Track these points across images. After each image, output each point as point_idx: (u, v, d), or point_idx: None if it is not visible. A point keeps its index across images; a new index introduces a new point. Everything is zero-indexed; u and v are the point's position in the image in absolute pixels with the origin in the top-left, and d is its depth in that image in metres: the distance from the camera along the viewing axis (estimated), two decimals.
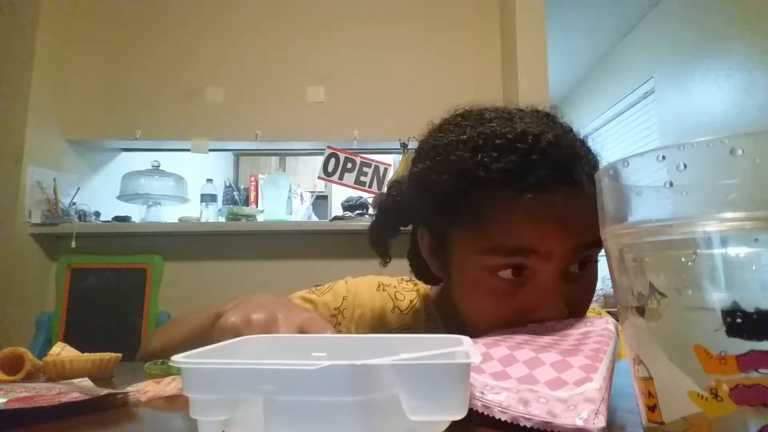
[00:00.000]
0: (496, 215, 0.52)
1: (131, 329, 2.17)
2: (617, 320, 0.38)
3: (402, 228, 0.71)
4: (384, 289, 0.78)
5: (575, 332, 0.48)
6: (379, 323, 0.75)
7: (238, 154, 4.50)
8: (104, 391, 0.46)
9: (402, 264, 0.75)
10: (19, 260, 2.14)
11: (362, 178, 2.25)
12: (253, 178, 3.11)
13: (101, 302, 2.22)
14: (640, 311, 0.26)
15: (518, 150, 0.51)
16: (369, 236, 0.71)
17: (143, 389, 0.50)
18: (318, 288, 0.81)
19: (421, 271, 0.70)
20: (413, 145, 2.24)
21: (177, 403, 0.47)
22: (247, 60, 2.51)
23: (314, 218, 2.59)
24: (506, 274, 0.52)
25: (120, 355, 0.63)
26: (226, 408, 0.29)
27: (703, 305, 0.23)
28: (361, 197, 2.45)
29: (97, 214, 2.38)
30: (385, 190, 0.73)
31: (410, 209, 0.65)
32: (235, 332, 0.49)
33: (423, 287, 0.78)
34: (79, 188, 2.33)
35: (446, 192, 0.55)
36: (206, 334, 0.56)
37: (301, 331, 0.50)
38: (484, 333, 0.52)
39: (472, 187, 0.53)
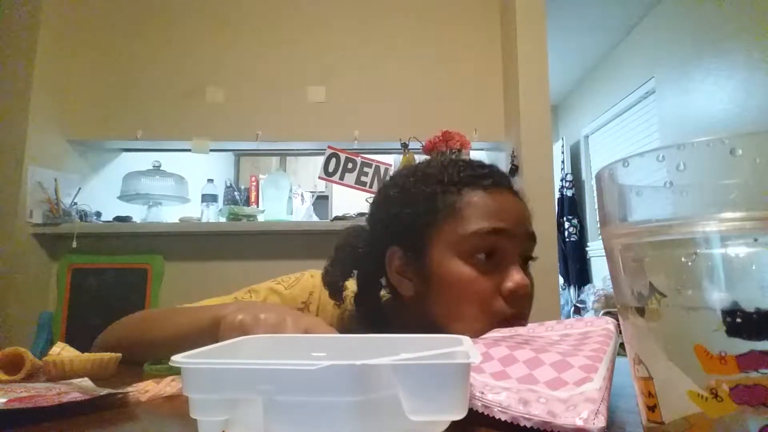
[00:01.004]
0: (471, 207, 0.66)
1: None
2: (617, 320, 0.38)
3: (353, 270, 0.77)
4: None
5: (575, 332, 0.48)
6: (339, 320, 0.80)
7: (239, 154, 4.49)
8: (104, 391, 0.46)
9: None
10: (21, 260, 2.14)
11: (363, 179, 2.25)
12: (253, 178, 3.10)
13: (102, 302, 2.23)
14: (640, 311, 0.26)
15: (473, 166, 0.71)
16: (324, 279, 0.76)
17: (143, 389, 0.50)
18: (284, 280, 0.84)
19: (370, 312, 0.76)
20: (414, 144, 2.25)
21: (177, 403, 0.47)
22: (247, 60, 2.51)
23: (315, 218, 2.59)
24: (482, 256, 0.65)
25: (120, 355, 0.63)
26: (226, 408, 0.29)
27: (703, 305, 0.23)
28: None
29: (98, 214, 2.39)
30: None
31: (374, 238, 0.74)
32: (243, 331, 0.50)
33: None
34: (80, 188, 2.33)
35: (427, 197, 0.68)
36: (203, 337, 0.56)
37: (307, 332, 0.51)
38: (468, 328, 0.58)
39: (448, 188, 0.68)
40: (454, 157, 0.76)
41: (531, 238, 0.69)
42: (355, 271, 0.77)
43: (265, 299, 0.82)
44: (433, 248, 0.66)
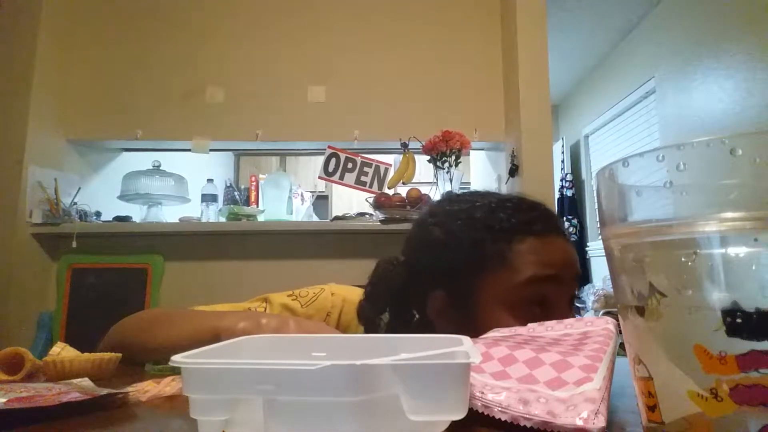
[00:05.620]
0: (522, 256, 0.64)
1: None
2: (617, 320, 0.38)
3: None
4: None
5: (575, 332, 0.48)
6: None
7: (239, 154, 4.50)
8: (104, 391, 0.46)
9: None
10: (20, 260, 2.14)
11: (363, 178, 2.25)
12: (253, 178, 3.10)
13: (102, 302, 2.22)
14: (640, 311, 0.26)
15: (523, 210, 0.69)
16: (359, 314, 0.75)
17: (143, 389, 0.50)
18: (301, 295, 0.81)
19: None
20: (414, 144, 2.25)
21: (177, 403, 0.47)
22: (247, 60, 2.51)
23: (315, 218, 2.59)
24: (533, 306, 0.63)
25: (120, 355, 0.63)
26: (226, 408, 0.29)
27: (703, 305, 0.23)
28: None
29: (98, 214, 2.38)
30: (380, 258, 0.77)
31: (413, 277, 0.71)
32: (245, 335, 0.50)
33: None
34: (80, 188, 2.33)
35: (476, 243, 0.66)
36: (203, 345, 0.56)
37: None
38: None
39: (499, 236, 0.66)
40: (496, 196, 0.73)
41: (578, 278, 0.68)
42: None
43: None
44: (480, 296, 0.65)
